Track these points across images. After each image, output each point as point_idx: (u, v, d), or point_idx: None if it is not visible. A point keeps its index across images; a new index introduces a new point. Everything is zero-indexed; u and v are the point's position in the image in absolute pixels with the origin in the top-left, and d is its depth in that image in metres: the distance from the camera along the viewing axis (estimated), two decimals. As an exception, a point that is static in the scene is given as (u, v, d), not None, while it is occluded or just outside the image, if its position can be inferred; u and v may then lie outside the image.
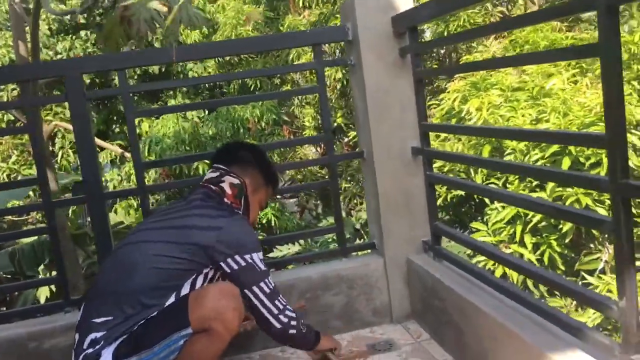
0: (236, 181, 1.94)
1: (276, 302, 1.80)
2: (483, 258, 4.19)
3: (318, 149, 9.89)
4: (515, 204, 2.03)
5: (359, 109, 2.41)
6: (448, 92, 5.29)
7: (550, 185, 4.11)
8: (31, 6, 4.85)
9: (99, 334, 1.63)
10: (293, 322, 1.83)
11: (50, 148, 8.96)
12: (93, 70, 2.30)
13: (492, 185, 4.35)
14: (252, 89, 9.00)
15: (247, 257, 1.76)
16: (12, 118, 9.32)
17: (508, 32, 5.90)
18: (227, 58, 9.04)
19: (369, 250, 2.57)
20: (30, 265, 5.52)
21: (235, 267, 1.75)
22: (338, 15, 8.49)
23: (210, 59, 8.52)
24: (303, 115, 9.38)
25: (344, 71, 8.14)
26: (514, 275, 4.25)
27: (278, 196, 8.29)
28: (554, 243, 4.27)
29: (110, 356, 1.61)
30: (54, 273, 6.09)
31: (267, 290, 1.79)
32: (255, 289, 1.77)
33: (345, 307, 2.40)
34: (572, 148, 4.11)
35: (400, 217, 2.37)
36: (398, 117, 2.31)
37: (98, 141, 9.16)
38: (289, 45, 2.64)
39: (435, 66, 7.77)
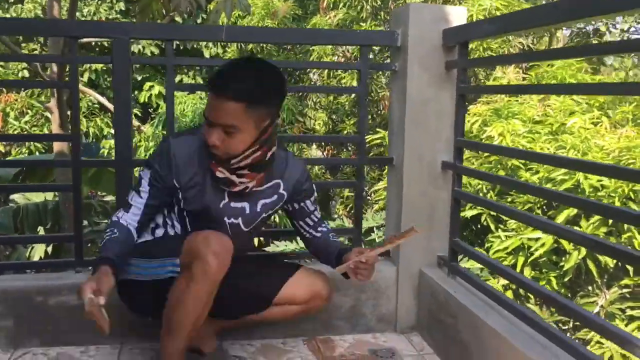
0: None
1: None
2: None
3: (325, 153, 9.90)
4: (553, 232, 2.02)
5: (395, 116, 2.41)
6: (468, 114, 5.32)
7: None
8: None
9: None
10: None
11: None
12: (141, 36, 2.29)
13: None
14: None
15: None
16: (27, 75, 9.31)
17: (530, 63, 5.95)
18: (250, 47, 9.05)
19: (382, 257, 2.56)
20: (32, 225, 5.50)
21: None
22: (362, 24, 8.53)
23: (258, 43, 8.39)
24: (315, 118, 9.39)
25: (358, 79, 8.17)
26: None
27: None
28: (554, 280, 4.29)
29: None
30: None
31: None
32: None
33: (352, 310, 2.40)
34: (585, 187, 4.13)
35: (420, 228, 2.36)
36: (434, 129, 2.31)
37: (110, 105, 9.15)
38: (337, 42, 2.64)
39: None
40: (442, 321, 2.17)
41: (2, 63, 10.12)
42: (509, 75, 6.78)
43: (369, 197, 7.23)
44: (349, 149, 9.14)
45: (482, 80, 7.97)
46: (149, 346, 2.19)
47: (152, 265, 1.76)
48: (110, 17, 10.62)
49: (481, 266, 4.47)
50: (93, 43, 10.01)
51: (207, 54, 10.89)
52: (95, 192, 8.74)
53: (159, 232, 1.86)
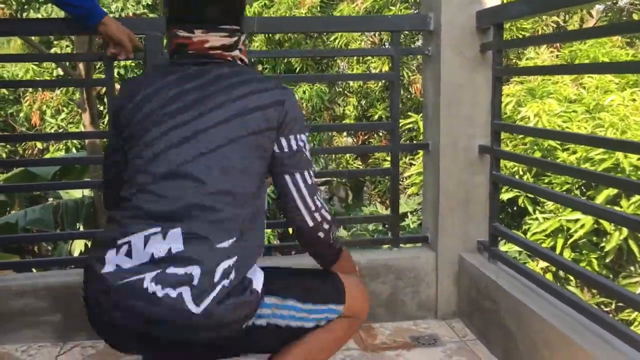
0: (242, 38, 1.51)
1: (315, 198, 1.45)
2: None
3: (355, 139, 9.87)
4: (593, 213, 1.99)
5: (430, 101, 2.39)
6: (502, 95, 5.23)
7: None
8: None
9: (231, 262, 1.29)
10: (325, 226, 1.47)
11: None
12: (174, 31, 2.30)
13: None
14: (296, 71, 9.00)
15: (301, 138, 1.45)
16: (62, 73, 9.49)
17: (565, 43, 5.82)
18: (277, 37, 9.05)
19: (420, 244, 2.56)
20: (72, 221, 5.65)
21: (286, 148, 1.42)
22: (392, 8, 8.45)
23: (290, 32, 8.32)
24: (345, 104, 9.36)
25: (390, 64, 8.11)
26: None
27: (316, 180, 8.33)
28: (595, 262, 4.21)
29: (261, 283, 1.36)
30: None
31: (309, 182, 1.45)
32: (297, 175, 1.43)
33: (391, 297, 2.40)
34: (625, 165, 4.03)
35: (457, 214, 2.35)
36: (469, 113, 2.28)
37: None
38: (368, 29, 2.61)
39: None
40: (484, 307, 2.16)
41: (36, 62, 10.33)
42: (543, 54, 6.64)
43: (400, 182, 7.19)
44: (380, 134, 9.11)
45: (514, 60, 7.83)
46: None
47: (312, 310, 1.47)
48: (138, 12, 10.72)
49: (519, 249, 4.42)
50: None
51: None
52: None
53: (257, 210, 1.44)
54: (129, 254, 1.28)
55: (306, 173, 1.44)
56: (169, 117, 1.38)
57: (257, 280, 1.35)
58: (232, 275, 1.28)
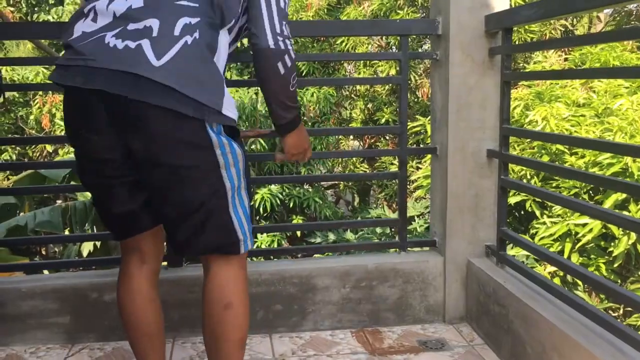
0: None
1: (283, 23, 1.42)
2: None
3: (362, 142, 9.87)
4: (601, 217, 1.99)
5: (438, 105, 2.39)
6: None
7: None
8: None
9: (193, 20, 1.28)
10: (287, 60, 1.42)
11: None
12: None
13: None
14: (303, 74, 9.02)
15: None
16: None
17: (574, 47, 5.80)
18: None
19: (427, 248, 2.56)
20: (80, 223, 5.67)
21: None
22: (400, 11, 8.45)
23: (297, 37, 8.39)
24: (352, 107, 9.36)
25: (397, 68, 8.11)
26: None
27: (323, 183, 8.36)
28: (603, 267, 4.19)
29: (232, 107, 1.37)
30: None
31: (282, 4, 1.43)
32: None
33: (399, 301, 2.39)
34: (634, 170, 4.01)
35: (465, 218, 2.35)
36: (478, 117, 2.28)
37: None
38: (376, 33, 2.62)
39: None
40: (492, 311, 2.15)
41: (46, 65, 10.40)
42: (551, 58, 6.62)
43: (407, 186, 7.18)
44: (387, 138, 9.09)
45: (522, 64, 7.81)
46: (199, 340, 2.24)
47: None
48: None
49: (526, 253, 4.40)
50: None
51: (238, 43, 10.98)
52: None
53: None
54: (94, 19, 1.31)
55: None
56: None
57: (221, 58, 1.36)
58: (196, 34, 1.27)
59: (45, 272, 3.80)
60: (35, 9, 11.60)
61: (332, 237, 6.15)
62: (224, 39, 1.38)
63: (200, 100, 1.28)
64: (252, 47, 1.43)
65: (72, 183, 5.96)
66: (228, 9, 1.36)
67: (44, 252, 8.87)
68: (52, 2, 11.43)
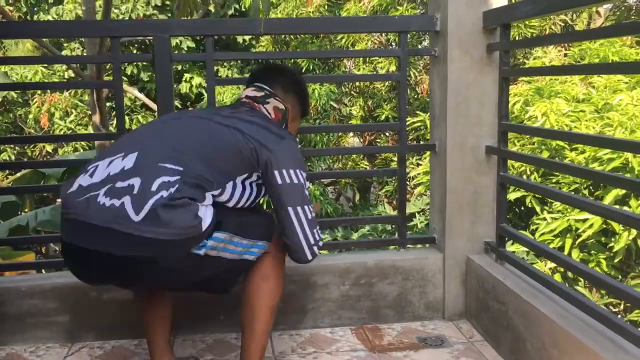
0: (281, 106, 1.81)
1: (315, 231, 1.67)
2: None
3: (362, 139, 9.85)
4: (601, 213, 1.98)
5: (436, 101, 2.38)
6: (509, 94, 5.21)
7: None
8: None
9: (172, 179, 1.45)
10: (319, 252, 1.72)
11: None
12: (181, 33, 2.31)
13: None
14: (304, 71, 9.00)
15: (301, 174, 1.64)
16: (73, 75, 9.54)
17: (573, 42, 5.79)
18: (283, 37, 9.05)
19: (427, 245, 2.55)
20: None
21: (288, 180, 1.62)
22: (399, 7, 8.43)
23: (295, 34, 8.38)
24: (352, 104, 9.35)
25: (397, 65, 8.07)
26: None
27: (323, 180, 8.35)
28: (603, 262, 4.19)
29: (210, 217, 1.49)
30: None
31: (310, 216, 1.66)
32: (299, 209, 1.63)
33: (398, 298, 2.39)
34: (634, 165, 4.01)
35: (464, 215, 2.34)
36: (476, 113, 2.27)
37: (149, 101, 9.32)
38: (375, 29, 2.62)
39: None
40: (492, 308, 2.15)
41: (45, 64, 10.40)
42: (551, 54, 6.60)
43: (407, 183, 7.18)
44: (387, 134, 9.08)
45: (521, 60, 7.79)
46: (199, 337, 2.24)
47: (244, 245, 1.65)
48: (148, 13, 10.77)
49: (526, 249, 4.39)
50: (133, 40, 10.19)
51: (239, 40, 10.99)
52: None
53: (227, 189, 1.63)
54: (91, 175, 1.52)
55: (307, 207, 1.65)
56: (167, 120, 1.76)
57: (205, 209, 1.48)
58: (172, 189, 1.43)
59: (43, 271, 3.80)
60: (35, 8, 11.60)
61: (337, 233, 6.14)
62: (210, 200, 1.52)
63: (178, 237, 1.43)
64: (290, 256, 1.70)
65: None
66: (215, 180, 1.53)
67: (44, 252, 8.88)
68: (52, 1, 11.41)
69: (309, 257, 1.67)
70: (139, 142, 1.60)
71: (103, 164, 1.54)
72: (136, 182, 1.45)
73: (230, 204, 1.60)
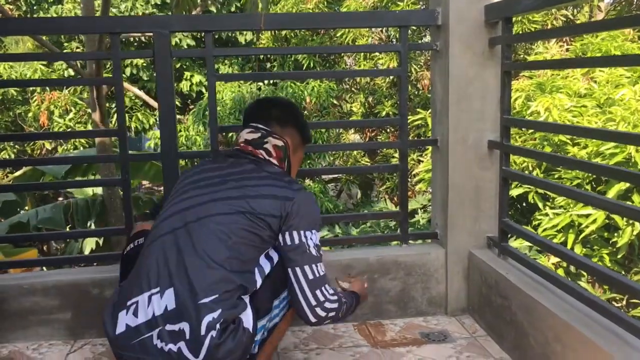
0: (280, 143, 1.81)
1: (317, 292, 1.63)
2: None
3: (363, 136, 9.83)
4: (604, 208, 1.97)
5: (438, 96, 2.37)
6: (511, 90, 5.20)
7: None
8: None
9: (215, 315, 1.50)
10: (331, 314, 1.66)
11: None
12: (181, 29, 2.31)
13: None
14: (304, 68, 8.98)
15: (304, 234, 1.65)
16: (72, 73, 9.53)
17: (574, 36, 5.77)
18: (283, 33, 9.03)
19: (429, 240, 2.55)
20: (82, 219, 5.69)
21: (289, 242, 1.64)
22: (400, 2, 8.41)
23: (296, 29, 8.30)
24: (352, 101, 9.33)
25: (398, 60, 8.06)
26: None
27: (323, 176, 8.34)
28: (606, 258, 4.17)
29: (252, 320, 1.57)
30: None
31: (311, 277, 1.64)
32: (298, 270, 1.64)
33: (401, 294, 2.39)
34: (637, 160, 3.99)
35: (467, 210, 2.33)
36: (478, 108, 2.27)
37: (149, 99, 9.31)
38: (376, 24, 2.62)
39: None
40: (494, 303, 2.14)
41: (44, 62, 10.40)
42: (552, 49, 6.58)
43: (409, 179, 7.16)
44: (388, 130, 9.07)
45: (522, 56, 7.77)
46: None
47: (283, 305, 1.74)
48: (147, 11, 10.77)
49: (529, 245, 4.38)
50: (132, 39, 10.19)
51: (241, 40, 10.98)
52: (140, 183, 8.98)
53: (257, 277, 1.69)
54: (135, 314, 1.56)
55: (307, 268, 1.64)
56: (191, 190, 1.72)
57: (247, 317, 1.56)
58: (218, 325, 1.50)
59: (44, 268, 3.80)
60: (35, 7, 11.59)
61: (338, 230, 6.13)
62: (248, 298, 1.59)
63: (241, 358, 1.55)
64: (297, 314, 1.70)
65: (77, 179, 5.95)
66: (248, 283, 1.59)
67: (45, 250, 8.87)
68: (52, 0, 11.42)
69: (312, 319, 1.64)
70: (166, 266, 1.58)
71: (142, 300, 1.56)
72: (185, 327, 1.50)
73: (259, 283, 1.64)
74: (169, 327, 1.52)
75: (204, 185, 1.72)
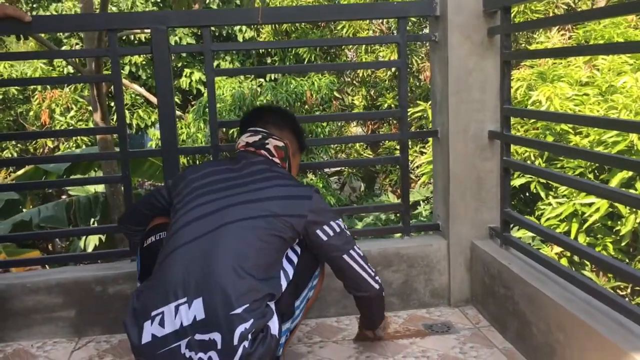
0: (280, 143, 1.87)
1: (369, 265, 1.82)
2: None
3: (365, 128, 9.83)
4: (607, 196, 1.96)
5: (438, 87, 2.36)
6: (511, 79, 5.18)
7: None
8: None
9: (247, 325, 1.51)
10: (383, 286, 1.87)
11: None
12: (179, 24, 2.29)
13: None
14: (305, 61, 8.97)
15: (336, 223, 1.76)
16: (72, 70, 9.53)
17: (576, 24, 5.74)
18: (284, 27, 9.01)
19: (431, 232, 2.54)
20: (85, 217, 5.70)
21: (332, 233, 1.73)
22: (400, -6, 8.38)
23: (295, 22, 8.29)
24: (354, 93, 9.32)
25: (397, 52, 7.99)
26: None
27: (325, 170, 8.33)
28: (610, 246, 4.17)
29: (278, 325, 1.60)
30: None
31: (362, 254, 1.81)
32: (352, 252, 1.77)
33: (404, 286, 2.39)
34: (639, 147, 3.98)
35: (468, 201, 2.33)
36: (478, 98, 2.26)
37: (150, 96, 9.30)
38: (374, 16, 2.60)
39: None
40: (497, 293, 2.14)
41: (44, 60, 10.40)
42: (554, 38, 6.54)
43: (411, 171, 7.16)
44: (390, 123, 9.06)
45: (524, 45, 7.74)
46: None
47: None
48: (147, 9, 10.77)
49: (532, 235, 4.38)
50: (132, 37, 10.19)
51: (240, 38, 10.94)
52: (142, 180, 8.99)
53: (282, 279, 1.74)
54: (162, 324, 1.54)
55: (356, 248, 1.78)
56: (205, 195, 1.71)
57: (273, 323, 1.58)
58: (250, 335, 1.51)
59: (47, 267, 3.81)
60: (34, 5, 11.58)
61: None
62: (273, 305, 1.62)
63: None
64: (361, 298, 1.86)
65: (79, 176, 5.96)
66: (274, 289, 1.62)
67: (50, 248, 8.91)
68: (51, -1, 11.42)
69: (376, 286, 1.83)
70: (192, 276, 1.57)
71: (169, 310, 1.55)
72: (217, 337, 1.50)
73: (284, 287, 1.68)
74: (198, 336, 1.51)
75: (217, 190, 1.73)
